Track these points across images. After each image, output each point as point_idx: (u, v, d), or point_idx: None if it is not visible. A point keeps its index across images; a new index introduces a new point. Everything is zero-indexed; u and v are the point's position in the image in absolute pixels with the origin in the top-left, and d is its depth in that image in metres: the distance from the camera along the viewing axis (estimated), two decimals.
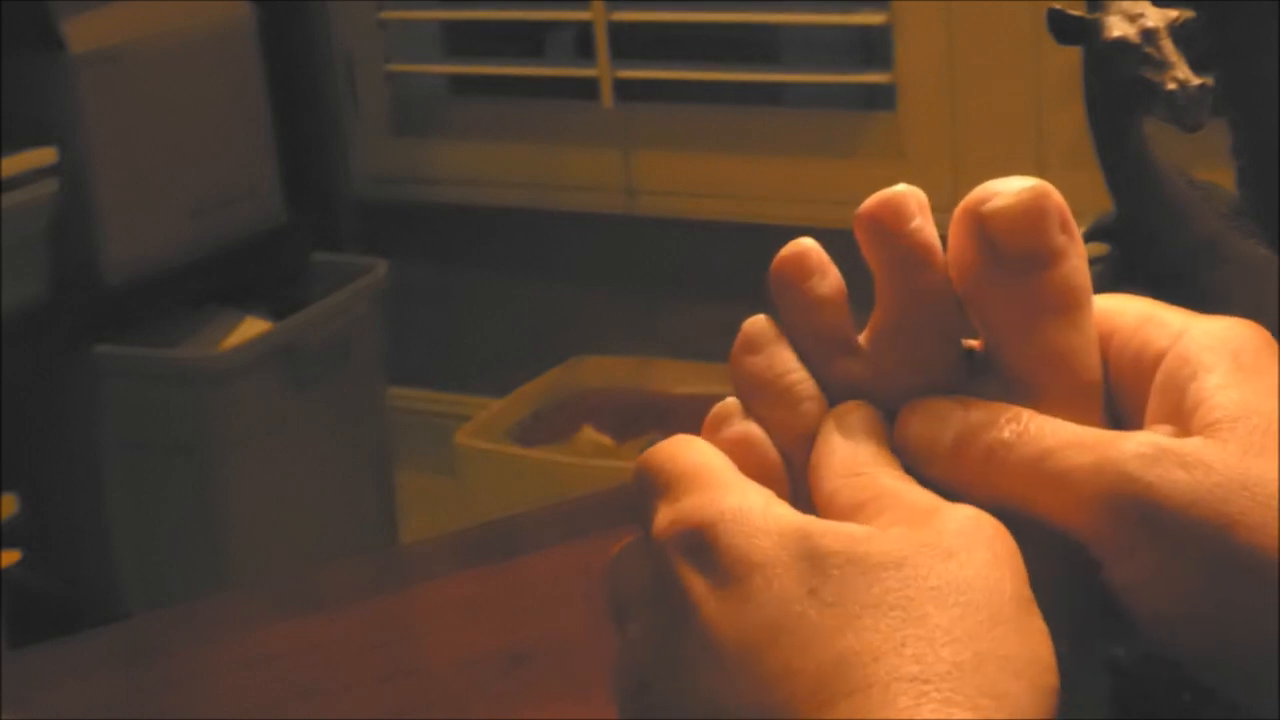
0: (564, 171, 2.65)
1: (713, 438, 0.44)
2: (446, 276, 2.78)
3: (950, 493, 0.42)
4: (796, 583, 0.39)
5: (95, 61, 2.14)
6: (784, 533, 0.40)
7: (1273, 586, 0.38)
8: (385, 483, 2.48)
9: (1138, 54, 0.53)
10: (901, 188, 0.43)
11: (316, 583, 1.03)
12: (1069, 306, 0.42)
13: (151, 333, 2.25)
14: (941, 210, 0.42)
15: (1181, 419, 0.41)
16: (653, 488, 0.43)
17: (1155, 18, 0.54)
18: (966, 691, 0.36)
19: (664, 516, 0.42)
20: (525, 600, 0.94)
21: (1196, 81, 0.52)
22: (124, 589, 2.27)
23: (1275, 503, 0.39)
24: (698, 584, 0.40)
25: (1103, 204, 0.58)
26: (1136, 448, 0.40)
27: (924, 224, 0.43)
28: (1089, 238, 0.58)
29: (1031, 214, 0.42)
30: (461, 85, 2.93)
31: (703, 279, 2.58)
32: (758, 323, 0.45)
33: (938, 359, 0.44)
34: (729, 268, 2.53)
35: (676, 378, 2.56)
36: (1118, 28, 0.54)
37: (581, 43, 2.76)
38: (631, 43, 2.58)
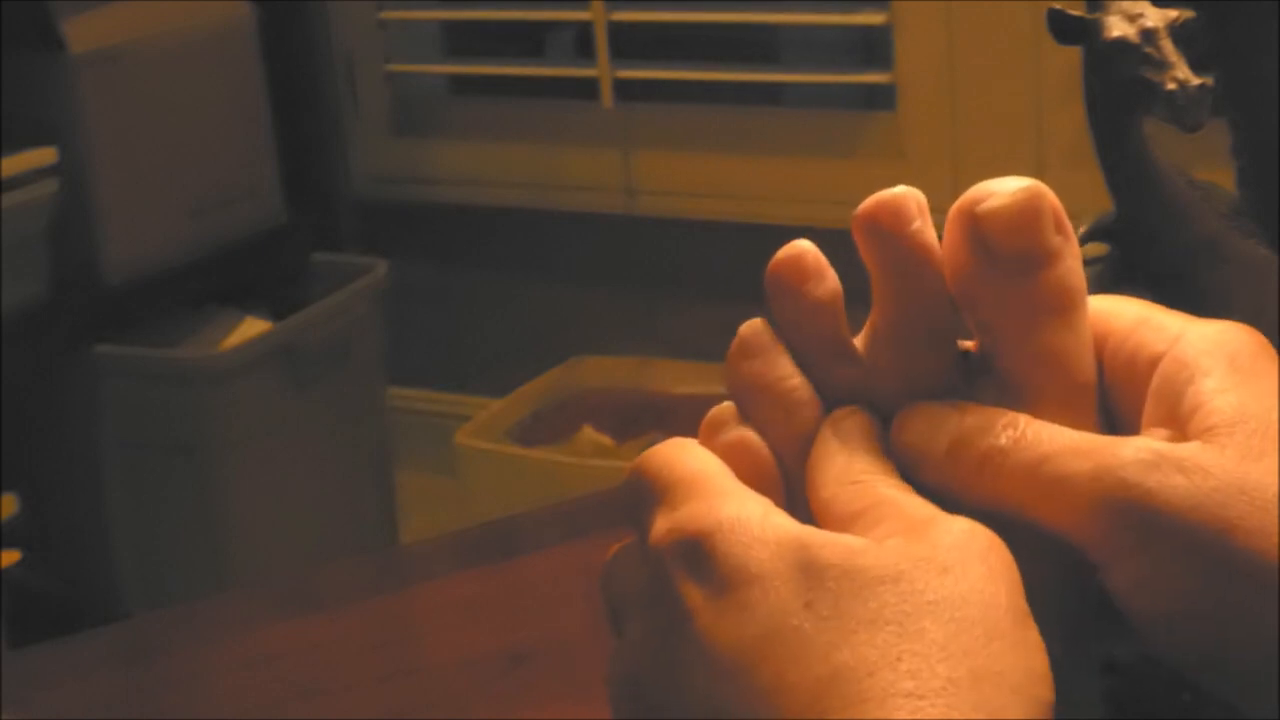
0: (564, 171, 2.65)
1: (708, 442, 0.44)
2: (446, 276, 2.78)
3: (946, 497, 0.42)
4: (793, 595, 0.39)
5: (95, 61, 2.14)
6: (781, 543, 0.40)
7: (1272, 590, 0.38)
8: (385, 483, 2.48)
9: (1138, 54, 0.53)
10: (901, 189, 0.43)
11: (316, 583, 1.03)
12: (1064, 307, 0.42)
13: (151, 333, 2.25)
14: (941, 211, 0.42)
15: (1178, 423, 0.41)
16: (649, 494, 0.43)
17: (1155, 18, 0.54)
18: (962, 708, 0.36)
19: (661, 525, 0.41)
20: (525, 600, 0.94)
21: (1196, 81, 0.52)
22: (124, 589, 2.27)
23: (1274, 507, 0.39)
24: (695, 593, 0.40)
25: (1103, 204, 0.58)
26: (1135, 453, 0.40)
27: (924, 226, 0.43)
28: (1089, 238, 0.58)
29: (1026, 214, 0.42)
30: (461, 85, 2.93)
31: (703, 279, 2.58)
32: (754, 327, 0.44)
33: (934, 362, 0.43)
34: (729, 268, 2.53)
35: (676, 378, 2.56)
36: (1118, 28, 0.54)
37: (581, 43, 2.76)
38: (631, 43, 2.58)
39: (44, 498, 2.27)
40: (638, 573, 0.42)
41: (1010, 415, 0.42)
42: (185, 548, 2.24)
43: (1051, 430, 0.41)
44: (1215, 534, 0.39)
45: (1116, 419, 0.44)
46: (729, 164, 2.54)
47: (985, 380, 0.43)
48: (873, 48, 2.71)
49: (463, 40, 2.96)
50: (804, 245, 0.44)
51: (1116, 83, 0.54)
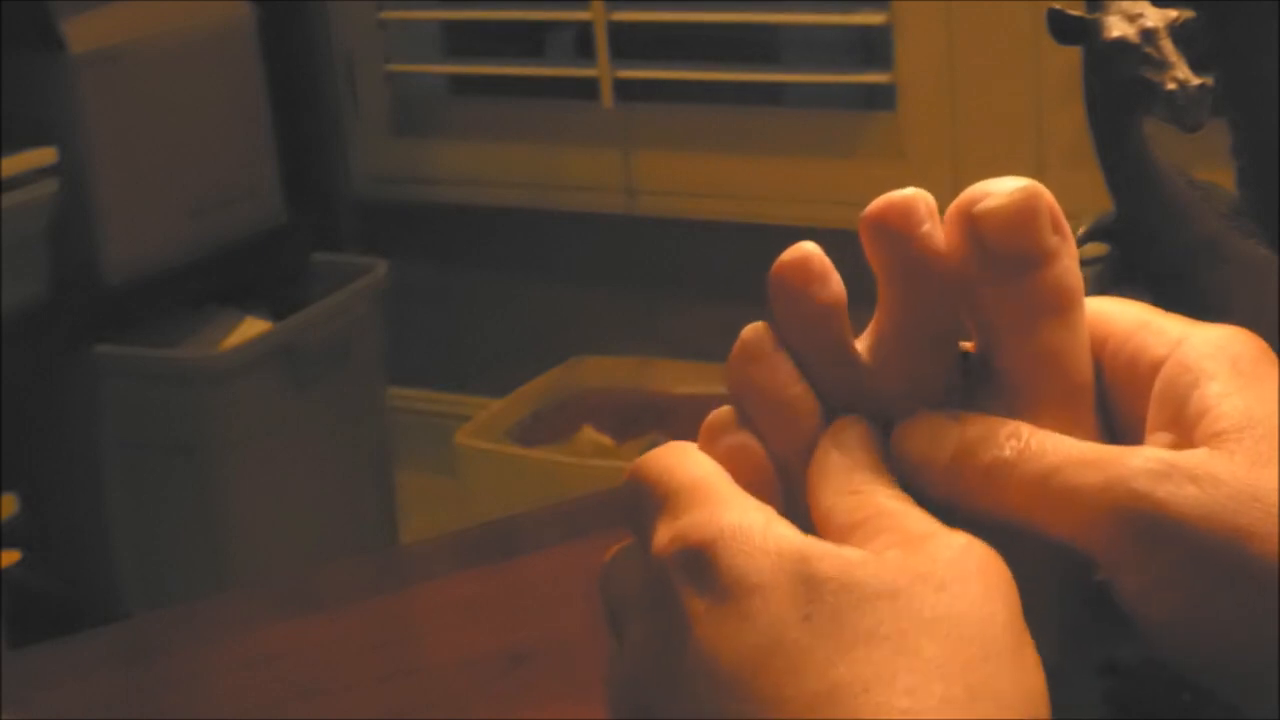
0: (564, 171, 2.65)
1: (708, 447, 0.44)
2: (446, 276, 2.78)
3: (948, 508, 0.41)
4: (792, 607, 0.38)
5: (95, 61, 2.14)
6: (783, 554, 0.39)
7: None
8: (385, 483, 2.48)
9: (1138, 54, 0.53)
10: (910, 191, 0.43)
11: (316, 583, 1.03)
12: (1061, 307, 0.42)
13: (151, 333, 2.25)
14: (941, 211, 0.42)
15: (1183, 427, 0.41)
16: (650, 501, 0.42)
17: (1155, 18, 0.54)
18: None
19: (664, 534, 0.41)
20: (525, 600, 0.94)
21: (1196, 81, 0.52)
22: (124, 589, 2.27)
23: None
24: (696, 602, 0.39)
25: (1103, 204, 0.58)
26: (1145, 463, 0.40)
27: (933, 229, 0.42)
28: (1089, 238, 0.58)
29: (1023, 214, 0.42)
30: (461, 85, 2.93)
31: (703, 279, 2.58)
32: (757, 330, 0.44)
33: (938, 364, 0.43)
34: (729, 268, 2.53)
35: (676, 378, 2.56)
36: (1117, 28, 0.54)
37: (581, 43, 2.76)
38: (631, 43, 2.58)
39: (44, 498, 2.27)
40: (637, 576, 0.42)
41: (1013, 425, 0.42)
42: (185, 548, 2.25)
43: (1056, 440, 0.41)
44: (1228, 542, 0.38)
45: (1116, 422, 0.44)
46: (729, 164, 2.54)
47: (983, 380, 0.43)
48: (873, 48, 2.71)
49: (463, 40, 2.96)
50: (810, 248, 0.43)
51: (1116, 83, 0.54)
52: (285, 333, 2.29)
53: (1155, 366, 0.43)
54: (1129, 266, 0.57)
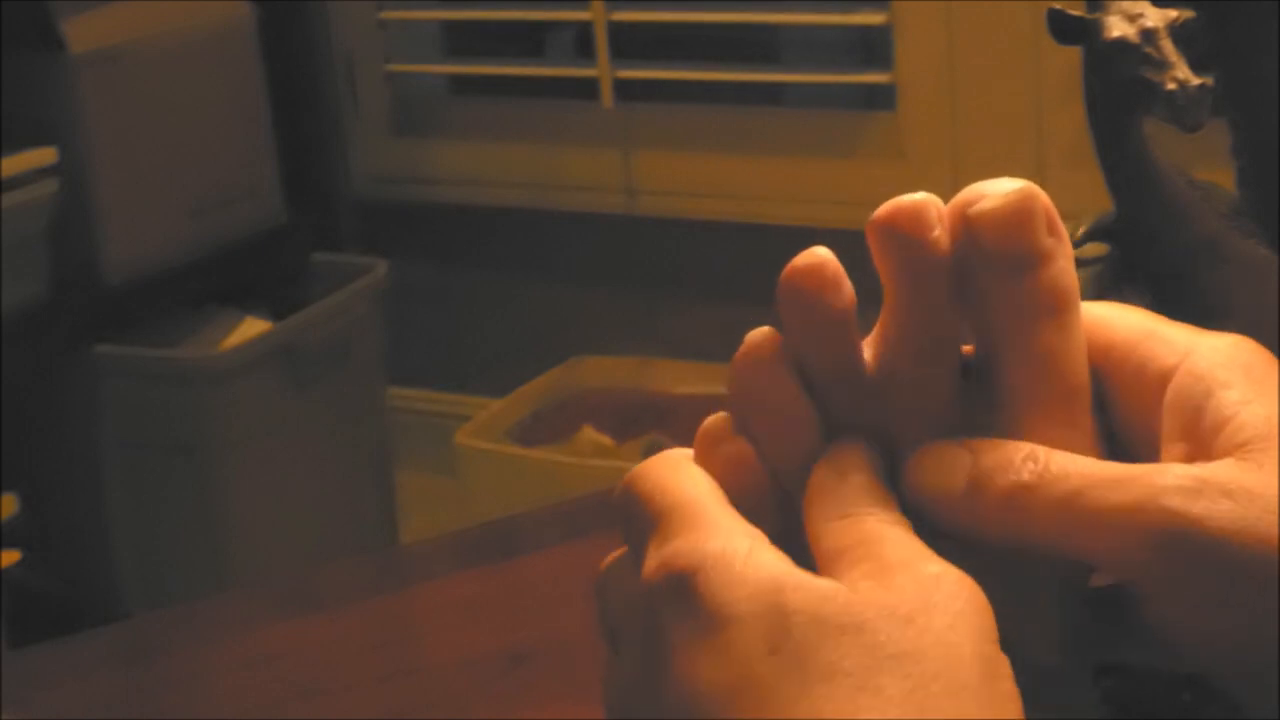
0: (564, 171, 2.65)
1: (704, 454, 0.43)
2: (446, 276, 2.78)
3: (963, 537, 0.41)
4: (762, 640, 0.38)
5: (95, 61, 2.14)
6: (760, 583, 0.39)
7: None
8: (385, 483, 2.48)
9: (1138, 54, 0.53)
10: (920, 196, 0.42)
11: (316, 583, 1.03)
12: (1056, 308, 0.42)
13: (151, 333, 2.25)
14: None
15: (1200, 437, 0.41)
16: (641, 520, 0.42)
17: (1155, 18, 0.54)
18: None
19: (653, 559, 0.41)
20: (525, 600, 0.94)
21: (1196, 81, 0.52)
22: (124, 589, 2.27)
23: None
24: (678, 632, 0.39)
25: (1103, 204, 0.58)
26: (1176, 480, 0.39)
27: (943, 234, 0.42)
28: (1089, 238, 0.58)
29: (1019, 215, 0.42)
30: (461, 85, 2.93)
31: (703, 279, 2.58)
32: (761, 336, 0.43)
33: (943, 370, 0.43)
34: (729, 268, 2.53)
35: (676, 378, 2.56)
36: (1117, 28, 0.54)
37: (581, 43, 2.76)
38: (631, 43, 2.58)
39: (44, 498, 2.27)
40: (630, 590, 0.42)
41: (1028, 448, 0.41)
42: (185, 548, 2.25)
43: (1074, 461, 0.40)
44: (1266, 556, 0.38)
45: (1120, 429, 0.43)
46: (729, 164, 2.54)
47: (980, 383, 0.43)
48: (873, 48, 2.71)
49: (463, 40, 2.96)
50: (823, 253, 0.42)
51: (1116, 83, 0.54)
52: (285, 333, 2.29)
53: (1164, 375, 0.42)
54: (1129, 267, 0.57)
